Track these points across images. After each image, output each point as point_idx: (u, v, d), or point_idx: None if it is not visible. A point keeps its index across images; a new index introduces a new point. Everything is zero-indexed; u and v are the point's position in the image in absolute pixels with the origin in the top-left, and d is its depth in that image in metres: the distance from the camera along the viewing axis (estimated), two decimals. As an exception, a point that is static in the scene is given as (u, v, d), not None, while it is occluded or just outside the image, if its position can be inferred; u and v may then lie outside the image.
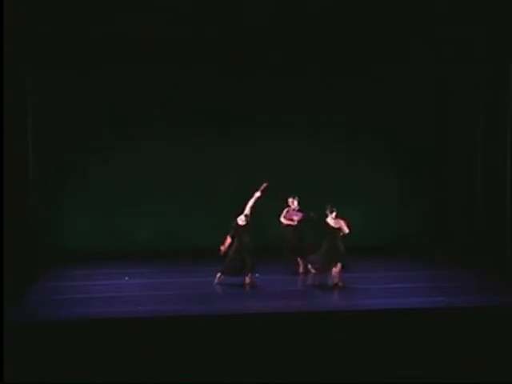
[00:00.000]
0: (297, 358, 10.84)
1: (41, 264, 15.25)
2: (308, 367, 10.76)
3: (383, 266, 15.63)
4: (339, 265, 13.71)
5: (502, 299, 12.81)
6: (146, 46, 14.46)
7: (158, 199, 17.24)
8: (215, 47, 14.59)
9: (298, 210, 15.20)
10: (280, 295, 13.57)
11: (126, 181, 17.08)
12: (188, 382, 10.54)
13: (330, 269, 13.78)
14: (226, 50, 14.80)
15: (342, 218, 13.79)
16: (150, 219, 17.38)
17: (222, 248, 13.97)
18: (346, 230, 13.69)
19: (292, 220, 15.15)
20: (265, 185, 14.22)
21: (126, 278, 14.69)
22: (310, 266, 14.46)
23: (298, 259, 15.15)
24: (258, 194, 14.19)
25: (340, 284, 13.75)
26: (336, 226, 13.72)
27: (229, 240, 13.94)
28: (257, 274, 14.22)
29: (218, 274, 14.04)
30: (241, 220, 14.01)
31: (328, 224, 13.77)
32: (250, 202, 14.13)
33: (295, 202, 15.25)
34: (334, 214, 13.77)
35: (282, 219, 15.22)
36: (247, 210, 14.07)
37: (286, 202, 15.29)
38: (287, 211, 15.28)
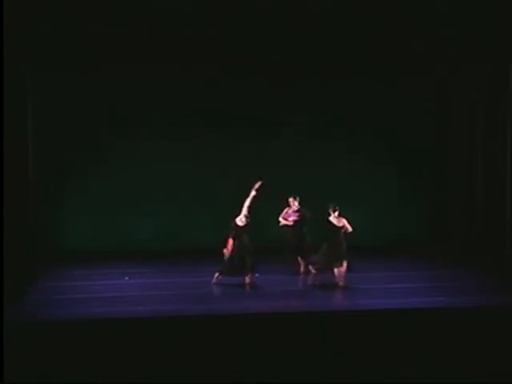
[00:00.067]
0: (297, 357, 10.83)
1: (41, 264, 15.25)
2: (308, 367, 10.76)
3: (383, 266, 15.64)
4: (345, 264, 13.68)
5: (501, 299, 12.81)
6: (145, 46, 14.46)
7: (158, 199, 17.24)
8: (215, 47, 14.58)
9: (297, 211, 15.20)
10: (280, 295, 13.57)
11: (126, 181, 17.09)
12: (188, 382, 10.53)
13: (332, 268, 13.75)
14: (226, 50, 14.80)
15: (345, 217, 13.79)
16: (150, 219, 17.39)
17: (226, 251, 13.94)
18: (350, 229, 13.69)
19: (288, 220, 15.17)
20: (259, 183, 14.19)
21: (126, 278, 14.69)
22: (310, 266, 14.50)
23: (299, 259, 15.15)
24: (254, 193, 14.16)
25: (341, 284, 13.72)
26: (339, 224, 13.72)
27: (231, 242, 13.92)
28: (257, 274, 14.22)
29: (216, 274, 14.02)
30: (240, 221, 14.00)
31: (331, 223, 13.76)
32: (247, 202, 14.11)
33: (296, 202, 15.26)
34: (336, 213, 13.77)
35: (280, 219, 15.24)
36: (245, 211, 14.04)
37: (287, 201, 15.30)
38: (286, 211, 15.29)
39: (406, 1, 13.67)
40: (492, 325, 11.45)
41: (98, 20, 13.38)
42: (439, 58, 15.94)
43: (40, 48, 14.25)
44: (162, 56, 15.06)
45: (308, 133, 17.49)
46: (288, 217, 15.21)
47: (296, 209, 15.23)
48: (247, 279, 14.04)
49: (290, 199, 15.28)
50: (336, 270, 13.74)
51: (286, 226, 15.21)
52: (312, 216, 15.02)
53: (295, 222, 15.15)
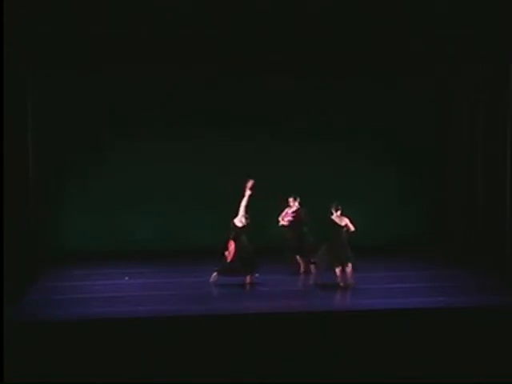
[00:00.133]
0: (297, 357, 10.83)
1: (41, 264, 15.25)
2: (308, 367, 10.76)
3: (383, 266, 15.64)
4: (350, 265, 13.68)
5: (501, 299, 12.81)
6: (146, 46, 14.46)
7: (158, 199, 17.25)
8: (215, 47, 14.58)
9: (294, 211, 15.20)
10: (280, 295, 13.56)
11: (126, 181, 17.10)
12: (188, 382, 10.53)
13: (334, 268, 13.74)
14: (226, 50, 14.80)
15: (347, 216, 13.80)
16: (150, 219, 17.40)
17: (228, 254, 13.92)
18: (352, 228, 13.69)
19: (284, 220, 15.17)
20: (251, 182, 14.16)
21: (126, 278, 14.70)
22: (311, 266, 14.54)
23: (298, 259, 15.15)
24: (249, 193, 14.14)
25: (342, 284, 13.71)
26: (342, 223, 13.72)
27: (233, 246, 13.90)
28: (257, 274, 14.22)
29: (214, 274, 14.01)
30: (240, 222, 13.99)
31: (334, 222, 13.76)
32: (244, 202, 14.09)
33: (296, 203, 15.25)
34: (338, 212, 13.77)
35: (280, 219, 15.25)
36: (242, 211, 14.03)
37: (287, 202, 15.30)
38: (286, 212, 15.29)
39: (406, 1, 13.66)
40: (492, 325, 11.45)
41: (98, 20, 13.37)
42: (439, 58, 15.93)
43: (40, 48, 14.25)
44: (162, 56, 15.06)
45: (308, 133, 17.49)
46: (286, 217, 15.21)
47: (295, 209, 15.23)
48: (247, 279, 14.04)
49: (290, 199, 15.28)
50: (338, 271, 13.72)
51: (284, 226, 15.22)
52: (307, 218, 15.02)
53: (290, 222, 15.14)
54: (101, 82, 16.76)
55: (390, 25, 14.00)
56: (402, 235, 17.56)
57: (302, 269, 15.12)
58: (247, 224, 13.97)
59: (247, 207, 14.05)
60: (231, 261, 13.87)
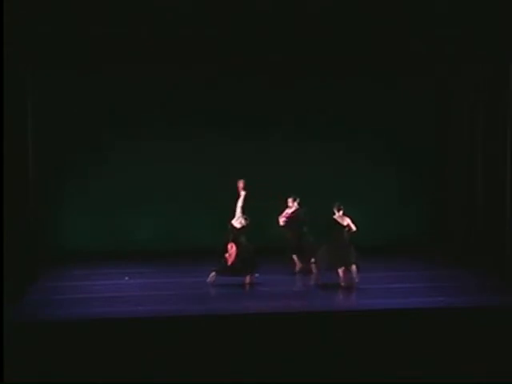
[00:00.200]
0: (297, 357, 10.83)
1: (41, 264, 15.24)
2: (308, 367, 10.76)
3: (383, 266, 15.62)
4: (354, 266, 13.68)
5: (501, 299, 12.80)
6: (146, 46, 14.46)
7: (158, 199, 17.25)
8: (215, 47, 14.58)
9: (293, 211, 15.20)
10: (280, 295, 13.56)
11: (126, 181, 17.09)
12: (188, 382, 10.54)
13: (337, 268, 13.73)
14: (226, 50, 14.80)
15: (348, 216, 13.80)
16: (150, 219, 17.40)
17: (228, 257, 13.88)
18: (354, 228, 13.69)
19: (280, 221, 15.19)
20: (241, 182, 14.16)
21: (126, 278, 14.69)
22: (312, 266, 14.55)
23: (295, 258, 15.15)
24: (243, 193, 14.14)
25: (343, 284, 13.70)
26: (344, 223, 13.72)
27: (234, 247, 13.88)
28: (257, 274, 14.22)
29: (212, 274, 14.00)
30: (239, 223, 13.97)
31: (336, 221, 13.75)
32: (240, 203, 14.09)
33: (295, 203, 15.25)
34: (341, 212, 13.77)
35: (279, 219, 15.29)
36: (239, 212, 14.02)
37: (286, 202, 15.30)
38: (286, 212, 15.29)
39: (406, 1, 13.66)
40: (492, 325, 11.44)
41: (98, 20, 13.38)
42: (439, 58, 15.94)
43: (40, 48, 14.25)
44: (162, 56, 15.06)
45: (308, 133, 17.49)
46: (282, 217, 15.21)
47: (293, 209, 15.23)
48: (247, 279, 14.04)
49: (289, 200, 15.28)
50: (341, 271, 13.72)
51: (284, 226, 15.22)
52: (307, 218, 15.02)
53: (287, 222, 15.13)
54: (101, 82, 16.76)
55: (390, 25, 14.00)
56: (401, 235, 17.56)
57: (297, 268, 15.12)
58: (246, 225, 13.96)
59: (243, 207, 14.04)
60: (232, 263, 13.85)
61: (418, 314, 11.79)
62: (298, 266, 15.15)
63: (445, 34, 14.40)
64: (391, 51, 15.21)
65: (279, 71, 16.48)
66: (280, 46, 14.59)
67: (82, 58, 14.92)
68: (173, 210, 17.36)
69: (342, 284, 13.69)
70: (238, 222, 13.99)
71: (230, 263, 13.85)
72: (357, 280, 13.67)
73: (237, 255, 13.82)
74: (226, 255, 13.88)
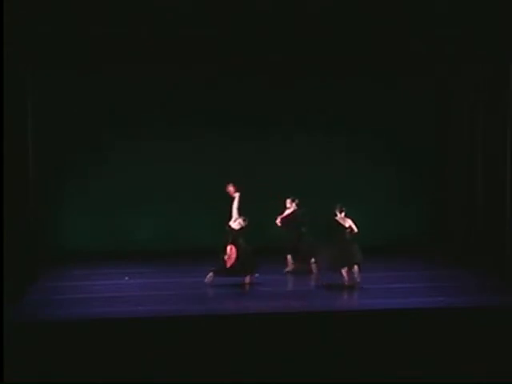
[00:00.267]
0: (297, 357, 10.83)
1: (41, 264, 15.24)
2: (308, 367, 10.76)
3: (383, 266, 15.62)
4: (356, 266, 13.69)
5: (501, 299, 12.80)
6: (146, 46, 14.46)
7: (158, 199, 17.25)
8: (215, 47, 14.58)
9: (291, 212, 15.19)
10: (280, 295, 13.56)
11: (126, 181, 17.10)
12: (188, 381, 10.54)
13: (339, 269, 13.73)
14: (226, 50, 14.80)
15: (350, 218, 13.80)
16: (150, 219, 17.40)
17: (228, 259, 13.83)
18: (355, 230, 13.70)
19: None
20: (231, 186, 14.16)
21: (126, 278, 14.69)
22: (313, 266, 14.55)
23: (289, 258, 15.15)
24: (237, 195, 14.13)
25: (347, 284, 13.70)
26: (346, 225, 13.72)
27: (233, 250, 13.85)
28: (257, 274, 14.22)
29: (210, 274, 13.99)
30: (238, 224, 13.95)
31: (338, 223, 13.75)
32: (235, 204, 14.09)
33: (293, 204, 15.23)
34: (342, 214, 13.77)
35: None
36: (236, 213, 14.00)
37: (285, 203, 15.30)
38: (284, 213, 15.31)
39: (406, 1, 13.66)
40: (492, 325, 11.45)
41: (98, 20, 13.37)
42: (439, 58, 15.93)
43: (40, 48, 14.25)
44: (162, 56, 15.06)
45: (308, 133, 17.49)
46: (281, 218, 15.22)
47: (291, 210, 15.23)
48: (247, 279, 14.03)
49: (288, 201, 15.27)
50: (344, 272, 13.72)
51: (280, 227, 15.24)
52: (305, 218, 15.03)
53: (284, 222, 15.13)
54: (101, 82, 16.76)
55: (390, 25, 14.00)
56: (401, 235, 17.56)
57: (288, 268, 15.14)
58: (245, 225, 13.95)
59: (240, 209, 14.03)
60: (231, 266, 13.82)
61: (417, 314, 11.79)
62: (290, 266, 15.19)
63: (445, 33, 14.40)
64: (391, 51, 15.20)
65: (279, 71, 16.48)
66: (280, 46, 14.59)
67: (82, 57, 14.92)
68: (173, 210, 17.36)
69: (346, 284, 13.68)
70: (236, 223, 13.97)
71: (229, 265, 13.82)
72: (358, 280, 13.67)
73: (237, 258, 13.79)
74: (225, 257, 13.85)
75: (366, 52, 15.03)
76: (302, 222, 15.13)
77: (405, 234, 17.61)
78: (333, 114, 17.46)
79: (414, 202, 18.02)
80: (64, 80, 16.49)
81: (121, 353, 10.72)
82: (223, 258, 13.85)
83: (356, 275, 13.71)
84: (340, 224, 13.74)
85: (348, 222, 13.75)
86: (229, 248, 13.85)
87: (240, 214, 14.01)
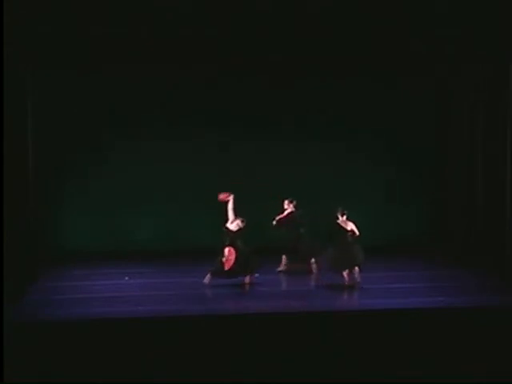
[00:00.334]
0: (297, 357, 10.83)
1: (41, 264, 15.24)
2: (308, 367, 10.76)
3: (383, 266, 15.62)
4: (356, 268, 13.69)
5: (502, 299, 12.80)
6: (146, 46, 14.46)
7: (158, 199, 17.25)
8: (215, 47, 14.58)
9: (288, 214, 15.19)
10: (280, 295, 13.56)
11: (126, 181, 17.09)
12: (188, 381, 10.54)
13: (342, 271, 13.72)
14: (226, 50, 14.80)
15: (352, 221, 13.79)
16: (150, 219, 17.39)
17: (225, 261, 13.79)
18: (357, 233, 13.70)
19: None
20: (221, 195, 14.16)
21: (126, 278, 14.69)
22: (313, 266, 14.54)
23: (283, 258, 15.16)
24: (231, 196, 14.12)
25: (347, 284, 13.70)
26: (348, 228, 13.72)
27: (232, 252, 13.82)
28: (257, 274, 14.22)
29: (208, 275, 13.97)
30: (236, 225, 13.93)
31: (339, 226, 13.74)
32: (230, 205, 14.07)
33: (291, 205, 15.22)
34: (344, 217, 13.76)
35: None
36: (232, 215, 13.98)
37: (282, 203, 15.29)
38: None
39: (406, 1, 13.67)
40: (492, 325, 11.44)
41: (98, 20, 13.38)
42: (439, 58, 15.93)
43: (40, 48, 14.25)
44: (162, 56, 15.06)
45: (308, 133, 17.49)
46: (278, 218, 15.23)
47: (289, 211, 15.22)
48: (247, 279, 14.03)
49: (286, 202, 15.25)
50: (345, 274, 13.71)
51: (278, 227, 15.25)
52: (303, 219, 15.03)
53: (281, 223, 15.12)
54: (101, 82, 16.76)
55: (390, 25, 14.00)
56: (401, 235, 17.55)
57: (280, 268, 15.16)
58: (243, 226, 13.92)
59: (235, 210, 14.02)
60: (230, 268, 13.80)
61: (417, 314, 11.79)
62: (283, 266, 15.20)
63: (445, 33, 14.40)
64: (391, 51, 15.20)
65: (279, 71, 16.48)
66: (280, 45, 14.59)
67: (82, 57, 14.92)
68: (173, 210, 17.35)
69: (346, 284, 13.68)
70: (234, 224, 13.94)
71: (228, 268, 13.78)
72: (358, 280, 13.68)
73: (235, 260, 13.76)
74: (223, 259, 13.81)
75: (366, 52, 15.03)
76: (300, 224, 15.14)
77: (405, 234, 17.61)
78: (333, 114, 17.45)
79: (414, 202, 18.01)
80: (64, 80, 16.48)
81: (121, 353, 10.72)
82: (221, 260, 13.82)
83: (356, 275, 13.72)
84: (342, 227, 13.73)
85: (350, 226, 13.74)
86: (227, 250, 13.82)
87: (236, 215, 13.99)
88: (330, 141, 17.54)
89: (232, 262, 13.72)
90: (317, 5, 13.38)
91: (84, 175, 17.03)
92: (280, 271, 15.20)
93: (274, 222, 15.13)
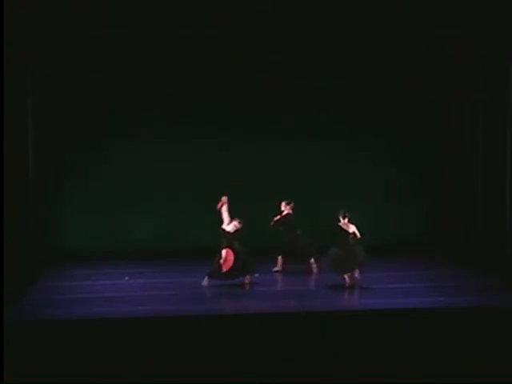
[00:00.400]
0: (297, 357, 10.83)
1: (41, 264, 15.24)
2: (308, 367, 10.76)
3: (383, 266, 15.61)
4: (357, 270, 13.72)
5: (501, 299, 12.80)
6: (145, 46, 14.46)
7: (158, 199, 17.24)
8: (215, 47, 14.58)
9: (284, 215, 15.18)
10: (280, 295, 13.56)
11: (126, 181, 17.09)
12: (188, 381, 10.54)
13: (344, 273, 13.72)
14: (226, 50, 14.80)
15: (354, 224, 13.78)
16: (150, 219, 17.39)
17: (223, 264, 13.76)
18: (359, 236, 13.69)
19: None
20: (219, 204, 14.17)
21: (126, 278, 14.69)
22: (313, 266, 14.54)
23: (279, 258, 15.16)
24: (225, 198, 14.12)
25: (347, 285, 13.70)
26: (350, 230, 13.71)
27: (231, 254, 13.79)
28: (257, 274, 14.22)
29: (206, 278, 13.94)
30: (233, 226, 13.91)
31: (341, 228, 13.73)
32: (224, 207, 14.07)
33: (288, 207, 15.20)
34: (346, 220, 13.76)
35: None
36: (227, 217, 13.96)
37: (279, 206, 15.29)
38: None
39: (406, 1, 13.67)
40: (492, 325, 11.45)
41: (98, 20, 13.38)
42: (439, 58, 15.93)
43: (40, 48, 14.25)
44: (162, 56, 15.06)
45: (308, 133, 17.49)
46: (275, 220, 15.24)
47: (285, 213, 15.22)
48: (247, 279, 14.03)
49: (283, 203, 15.24)
50: (347, 276, 13.71)
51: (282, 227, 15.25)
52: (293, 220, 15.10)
53: (277, 224, 15.12)
54: (101, 82, 16.75)
55: (390, 25, 14.00)
56: (401, 235, 17.55)
57: (276, 268, 15.16)
58: (241, 228, 13.90)
59: (230, 211, 14.01)
60: (229, 270, 13.78)
61: (417, 314, 11.79)
62: (278, 266, 15.21)
63: (445, 33, 14.40)
64: (391, 51, 15.20)
65: (279, 71, 16.47)
66: (280, 45, 14.59)
67: (82, 57, 14.91)
68: (173, 210, 17.35)
69: (346, 285, 13.68)
70: (231, 226, 13.93)
71: (226, 269, 13.76)
72: (359, 279, 13.68)
73: (234, 261, 13.74)
74: (220, 261, 13.79)
75: (366, 52, 15.03)
76: (291, 224, 15.14)
77: (405, 234, 17.61)
78: (333, 114, 17.44)
79: (414, 202, 18.01)
80: (64, 80, 16.48)
81: (121, 353, 10.72)
82: (218, 262, 13.80)
83: (357, 275, 13.72)
84: (343, 230, 13.72)
85: (352, 228, 13.73)
86: (224, 252, 13.80)
87: (231, 216, 13.98)
88: (330, 141, 17.53)
89: (230, 263, 13.70)
90: (317, 5, 13.38)
91: (84, 175, 17.03)
92: (276, 271, 15.19)
93: (272, 223, 15.13)
